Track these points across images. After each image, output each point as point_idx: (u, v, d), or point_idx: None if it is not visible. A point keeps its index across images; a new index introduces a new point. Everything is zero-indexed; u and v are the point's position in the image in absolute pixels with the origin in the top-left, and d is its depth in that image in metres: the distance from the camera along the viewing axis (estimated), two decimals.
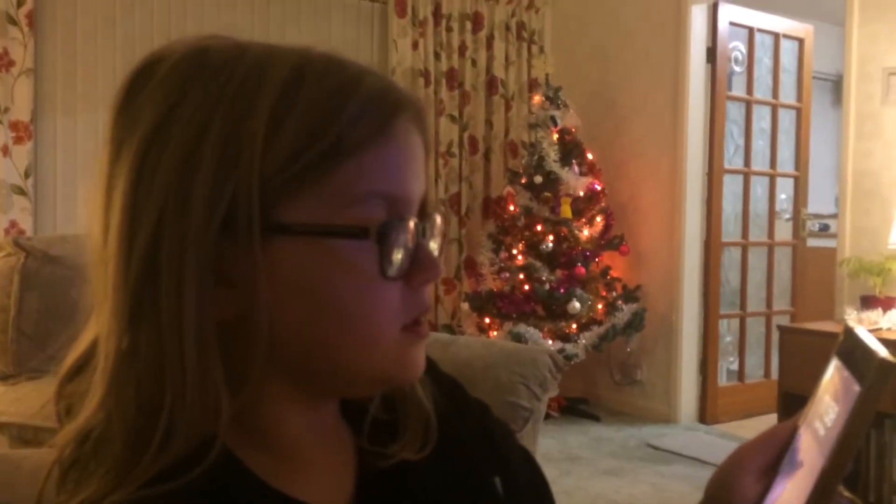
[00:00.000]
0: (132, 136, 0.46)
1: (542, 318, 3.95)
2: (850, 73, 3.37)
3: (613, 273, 4.12)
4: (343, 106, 0.46)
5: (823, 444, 0.47)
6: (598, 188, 4.07)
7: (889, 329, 2.89)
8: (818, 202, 5.01)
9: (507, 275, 4.06)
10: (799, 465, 0.50)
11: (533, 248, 4.03)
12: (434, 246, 0.52)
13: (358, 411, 0.56)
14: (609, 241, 4.09)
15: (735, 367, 4.40)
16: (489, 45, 4.52)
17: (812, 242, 4.66)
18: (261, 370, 0.47)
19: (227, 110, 0.45)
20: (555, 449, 3.59)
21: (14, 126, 3.45)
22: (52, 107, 3.58)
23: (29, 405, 2.02)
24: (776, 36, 4.33)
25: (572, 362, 3.80)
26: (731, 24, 4.14)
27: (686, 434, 3.91)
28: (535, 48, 4.62)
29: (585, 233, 4.02)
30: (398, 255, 0.48)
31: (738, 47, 4.31)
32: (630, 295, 4.03)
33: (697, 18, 4.04)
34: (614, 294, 4.04)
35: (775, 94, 4.35)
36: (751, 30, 4.25)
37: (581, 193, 4.02)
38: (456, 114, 4.45)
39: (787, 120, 4.42)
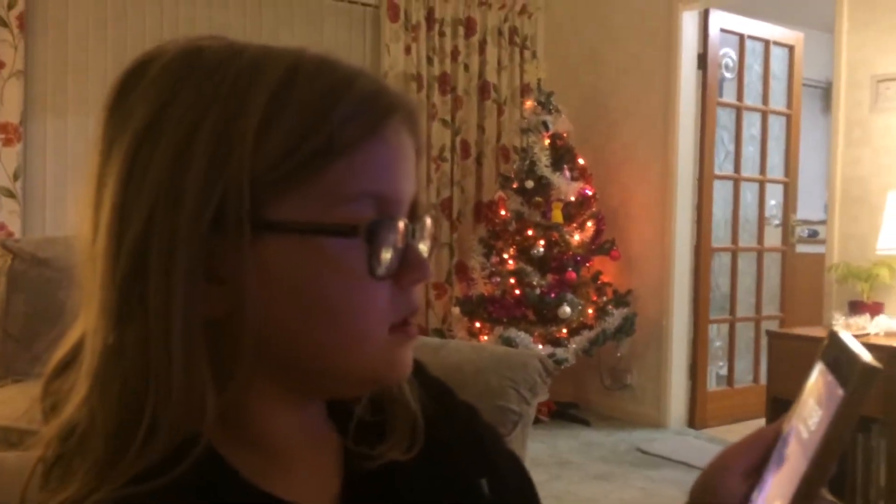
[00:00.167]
0: (123, 135, 0.46)
1: (532, 323, 3.96)
2: (839, 81, 3.39)
3: (604, 278, 4.13)
4: (335, 106, 0.47)
5: (807, 447, 0.47)
6: (590, 193, 4.09)
7: (876, 334, 2.90)
8: (807, 208, 5.04)
9: (498, 279, 4.06)
10: (783, 468, 0.50)
11: (524, 252, 4.03)
12: (423, 247, 0.52)
13: (344, 412, 0.56)
14: (600, 245, 4.10)
15: (724, 371, 4.42)
16: (482, 50, 4.53)
17: (801, 248, 4.69)
18: (248, 368, 0.47)
19: (219, 109, 0.45)
20: (545, 453, 3.59)
21: (3, 128, 3.43)
22: (42, 109, 3.56)
23: (15, 408, 2.01)
24: (766, 43, 4.36)
25: (562, 367, 3.81)
26: (722, 30, 4.17)
27: (675, 439, 3.92)
28: (527, 53, 4.64)
29: (576, 237, 4.03)
30: (387, 255, 0.48)
31: (728, 54, 4.34)
32: (620, 300, 4.04)
33: (688, 25, 4.07)
34: (605, 299, 4.05)
35: (765, 100, 4.38)
36: (741, 36, 4.27)
37: (572, 198, 4.03)
38: (448, 118, 4.45)
39: (776, 126, 4.45)
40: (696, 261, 4.16)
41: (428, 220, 0.53)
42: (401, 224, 0.49)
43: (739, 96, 4.30)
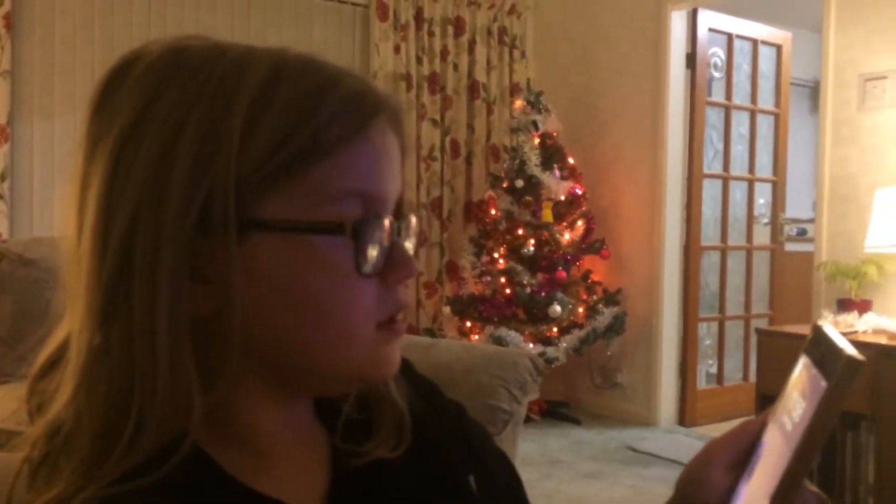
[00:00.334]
0: (108, 134, 0.46)
1: (523, 322, 3.96)
2: (827, 80, 3.41)
3: (594, 277, 4.14)
4: (319, 106, 0.47)
5: (790, 438, 0.48)
6: (579, 192, 4.10)
7: (865, 332, 2.92)
8: (796, 207, 5.07)
9: (489, 278, 4.07)
10: (766, 460, 0.51)
11: (514, 251, 4.04)
12: (409, 245, 0.53)
13: (332, 410, 0.56)
14: (590, 244, 4.11)
15: (714, 370, 4.44)
16: (471, 50, 4.53)
17: (790, 247, 4.72)
18: (235, 367, 0.47)
19: (204, 109, 0.45)
20: (535, 452, 3.60)
21: None
22: (28, 109, 3.54)
23: (2, 409, 2.00)
24: (755, 42, 4.38)
25: (553, 366, 3.81)
26: (711, 30, 4.19)
27: (666, 437, 3.93)
28: (516, 53, 4.64)
29: (566, 237, 4.04)
30: (373, 252, 0.48)
31: (717, 53, 4.36)
32: (610, 298, 4.05)
33: (677, 24, 4.08)
34: (595, 298, 4.06)
35: (754, 99, 4.40)
36: (730, 36, 4.29)
37: (562, 198, 4.04)
38: (438, 118, 4.45)
39: (765, 125, 4.47)
40: (686, 259, 4.18)
41: (413, 219, 0.53)
42: (386, 222, 0.49)
43: (728, 95, 4.32)
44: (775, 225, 4.49)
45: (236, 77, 0.46)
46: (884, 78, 3.23)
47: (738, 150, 4.39)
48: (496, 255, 4.07)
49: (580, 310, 3.99)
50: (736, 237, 4.43)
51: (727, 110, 4.33)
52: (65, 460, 0.45)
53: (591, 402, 4.37)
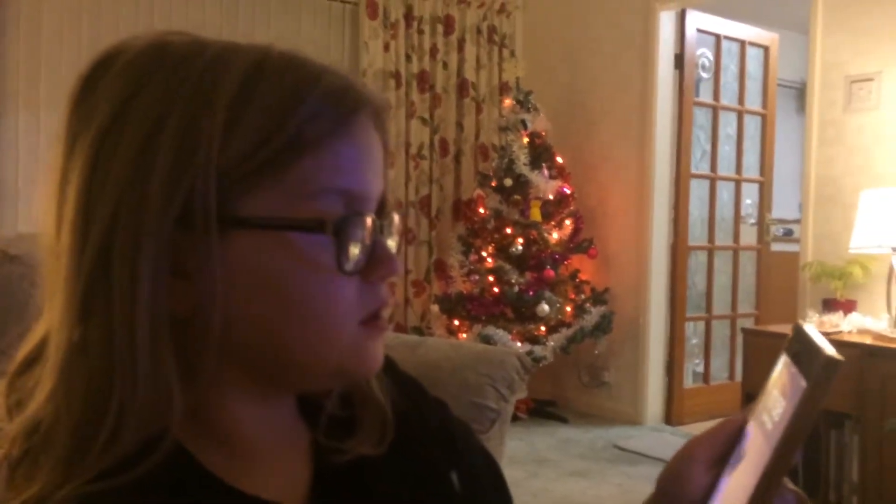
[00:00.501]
0: (88, 129, 0.46)
1: (511, 321, 3.97)
2: (813, 81, 3.44)
3: (582, 276, 4.15)
4: (301, 102, 0.47)
5: (770, 437, 0.48)
6: (568, 192, 4.11)
7: (850, 332, 2.95)
8: (782, 207, 5.10)
9: (477, 277, 4.07)
10: (746, 458, 0.51)
11: (502, 250, 4.05)
12: (392, 243, 0.53)
13: (315, 407, 0.56)
14: (578, 244, 4.12)
15: (700, 369, 4.46)
16: (460, 48, 4.53)
17: (776, 247, 4.75)
18: (215, 364, 0.47)
19: (185, 104, 0.45)
20: (522, 451, 3.60)
21: None
22: (14, 105, 3.52)
23: None
24: (742, 43, 4.40)
25: (541, 364, 3.82)
26: (699, 31, 4.21)
27: (652, 435, 3.95)
28: (505, 52, 4.65)
29: (555, 236, 4.05)
30: (355, 250, 0.48)
31: (705, 54, 4.38)
32: (598, 298, 4.06)
33: (665, 25, 4.09)
34: (583, 297, 4.08)
35: (741, 100, 4.42)
36: (718, 37, 4.31)
37: (551, 197, 4.05)
38: (427, 116, 4.45)
39: (752, 126, 4.49)
40: (673, 259, 4.20)
41: (396, 216, 0.53)
42: (369, 220, 0.49)
43: (716, 96, 4.34)
44: (762, 225, 4.52)
45: (218, 73, 0.46)
46: (870, 80, 3.25)
47: (726, 150, 4.41)
48: (484, 254, 4.08)
49: (568, 309, 4.00)
50: (723, 237, 4.45)
51: (715, 111, 4.35)
52: (44, 458, 0.44)
53: (579, 401, 4.38)
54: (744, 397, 3.16)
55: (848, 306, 3.10)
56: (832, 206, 3.36)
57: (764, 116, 4.51)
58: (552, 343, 3.91)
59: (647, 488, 0.57)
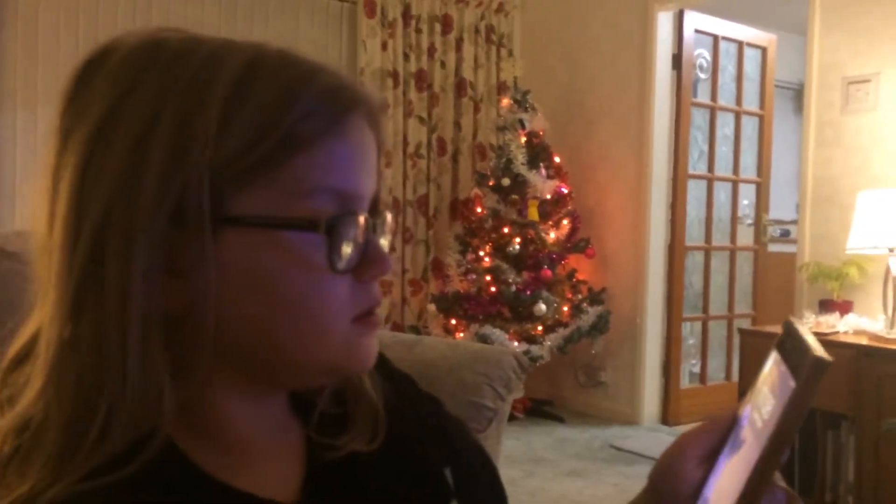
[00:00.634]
0: (81, 126, 0.46)
1: (508, 320, 3.97)
2: (811, 82, 3.44)
3: (579, 276, 4.15)
4: (295, 101, 0.47)
5: (760, 435, 0.48)
6: (565, 191, 4.11)
7: (846, 332, 2.95)
8: (779, 208, 5.11)
9: (474, 276, 4.07)
10: (736, 455, 0.52)
11: (500, 250, 4.05)
12: (384, 242, 0.53)
13: (307, 404, 0.56)
14: (575, 244, 4.12)
15: (697, 369, 4.46)
16: (458, 48, 4.53)
17: (773, 248, 4.75)
18: (207, 362, 0.47)
19: (179, 102, 0.45)
20: (519, 450, 3.61)
21: None
22: (11, 102, 3.51)
23: None
24: (740, 44, 4.40)
25: (537, 364, 3.82)
26: (697, 31, 4.21)
27: (649, 435, 3.95)
28: (503, 51, 4.65)
29: (552, 235, 4.05)
30: (347, 249, 0.48)
31: (702, 55, 4.38)
32: (595, 298, 4.07)
33: (663, 26, 4.10)
34: (580, 297, 4.08)
35: (739, 101, 4.43)
36: (715, 38, 4.32)
37: (548, 196, 4.05)
38: (424, 115, 4.45)
39: (749, 127, 4.50)
40: (670, 259, 4.20)
41: (388, 215, 0.53)
42: (361, 219, 0.49)
43: (713, 97, 4.35)
44: (759, 226, 4.52)
45: (212, 71, 0.46)
46: (867, 81, 3.25)
47: (723, 151, 4.42)
48: (482, 254, 4.08)
49: (565, 308, 4.00)
50: (720, 238, 4.46)
51: (712, 111, 4.35)
52: (35, 455, 0.44)
53: (575, 401, 4.38)
54: (740, 397, 3.16)
55: (844, 307, 3.11)
56: (829, 207, 3.37)
57: (761, 117, 4.52)
58: (549, 343, 3.91)
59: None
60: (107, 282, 0.44)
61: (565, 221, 4.11)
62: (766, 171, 4.54)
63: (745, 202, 4.56)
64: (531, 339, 3.91)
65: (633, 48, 4.16)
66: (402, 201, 4.39)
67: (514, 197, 4.03)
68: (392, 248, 0.55)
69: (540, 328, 3.94)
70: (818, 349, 0.46)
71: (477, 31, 4.58)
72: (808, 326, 2.98)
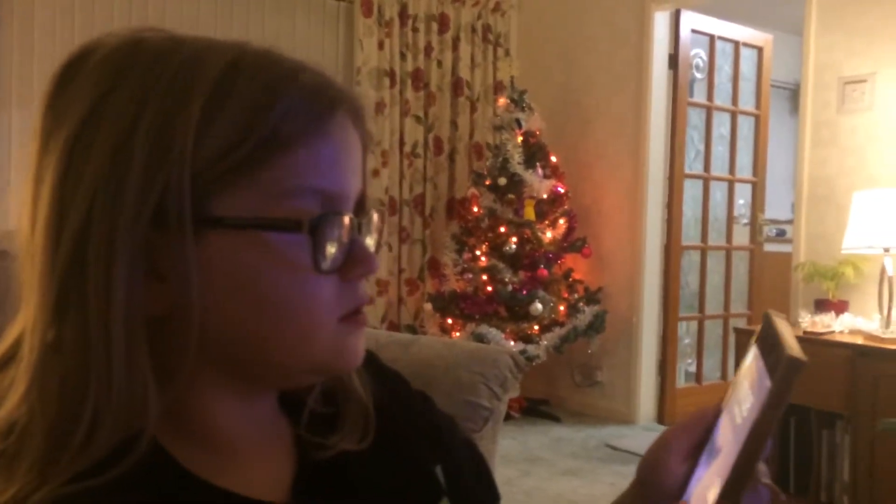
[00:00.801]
0: (61, 127, 0.46)
1: (504, 320, 3.97)
2: (807, 82, 3.44)
3: (575, 275, 4.15)
4: (277, 100, 0.46)
5: (739, 432, 0.49)
6: (562, 191, 4.11)
7: (841, 332, 2.95)
8: (775, 208, 5.11)
9: (471, 276, 4.07)
10: (718, 450, 0.52)
11: (496, 249, 4.05)
12: (370, 241, 0.52)
13: (297, 403, 0.56)
14: (571, 243, 4.12)
15: (693, 368, 4.47)
16: (455, 47, 4.53)
17: (769, 247, 4.76)
18: (193, 363, 0.46)
19: (160, 102, 0.45)
20: (515, 450, 3.61)
21: None
22: (7, 100, 3.50)
23: None
24: (736, 44, 4.41)
25: (534, 363, 3.82)
26: (693, 31, 4.21)
27: (645, 435, 3.95)
28: (500, 51, 4.65)
29: (548, 235, 4.05)
30: (332, 249, 0.48)
31: (699, 54, 4.38)
32: (591, 297, 4.07)
33: (660, 25, 4.10)
34: (576, 296, 4.08)
35: (735, 101, 4.43)
36: (712, 37, 4.32)
37: (544, 196, 4.05)
38: (421, 114, 4.45)
39: (745, 127, 4.50)
40: (666, 259, 4.20)
41: (374, 215, 0.53)
42: (346, 219, 0.49)
43: (710, 96, 4.35)
44: (754, 225, 4.53)
45: (193, 71, 0.46)
46: (863, 81, 3.26)
47: (719, 150, 4.42)
48: (478, 253, 4.08)
49: (561, 308, 4.00)
50: (716, 237, 4.46)
51: (708, 111, 4.35)
52: (20, 459, 0.44)
53: (571, 400, 4.38)
54: None
55: (840, 307, 3.11)
56: (825, 206, 3.37)
57: (757, 117, 4.52)
58: (545, 342, 3.91)
59: None
60: (89, 284, 0.43)
61: (562, 221, 4.11)
62: (762, 171, 4.54)
63: (741, 202, 4.56)
64: (527, 339, 3.91)
65: (630, 48, 4.16)
66: (398, 200, 4.39)
67: (511, 196, 4.03)
68: (379, 246, 0.54)
69: (536, 327, 3.94)
70: (793, 347, 0.46)
71: (473, 30, 4.58)
72: (804, 326, 2.98)
